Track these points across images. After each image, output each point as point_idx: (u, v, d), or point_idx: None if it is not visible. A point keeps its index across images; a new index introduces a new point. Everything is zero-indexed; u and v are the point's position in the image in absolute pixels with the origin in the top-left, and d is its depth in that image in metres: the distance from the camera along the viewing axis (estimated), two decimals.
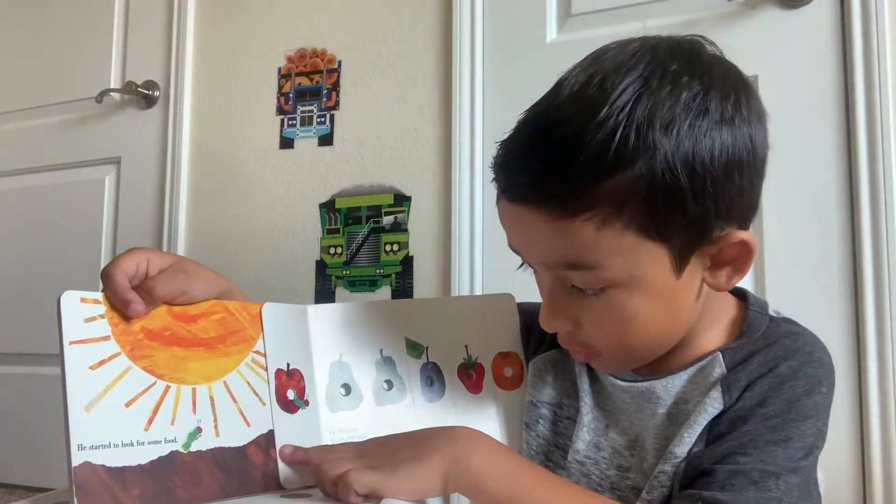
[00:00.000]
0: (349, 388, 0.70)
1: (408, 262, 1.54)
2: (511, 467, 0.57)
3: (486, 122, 1.48)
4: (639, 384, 0.64)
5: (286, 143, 1.69)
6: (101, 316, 0.59)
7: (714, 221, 0.55)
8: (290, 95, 1.70)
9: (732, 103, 0.55)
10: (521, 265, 0.63)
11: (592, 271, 0.56)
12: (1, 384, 1.90)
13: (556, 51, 1.44)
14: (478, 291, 1.44)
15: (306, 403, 0.67)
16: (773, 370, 0.59)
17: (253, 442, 0.63)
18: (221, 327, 0.65)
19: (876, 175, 1.16)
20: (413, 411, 0.70)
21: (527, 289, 0.68)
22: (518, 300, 0.76)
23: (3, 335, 1.92)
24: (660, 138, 0.52)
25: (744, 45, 1.23)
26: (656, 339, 0.61)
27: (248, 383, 0.64)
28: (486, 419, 0.71)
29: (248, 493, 0.61)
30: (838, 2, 1.23)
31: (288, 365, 0.67)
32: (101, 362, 0.57)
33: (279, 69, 1.71)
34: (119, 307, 0.59)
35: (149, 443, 0.58)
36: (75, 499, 0.53)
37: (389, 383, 0.71)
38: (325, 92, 1.66)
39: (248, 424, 0.63)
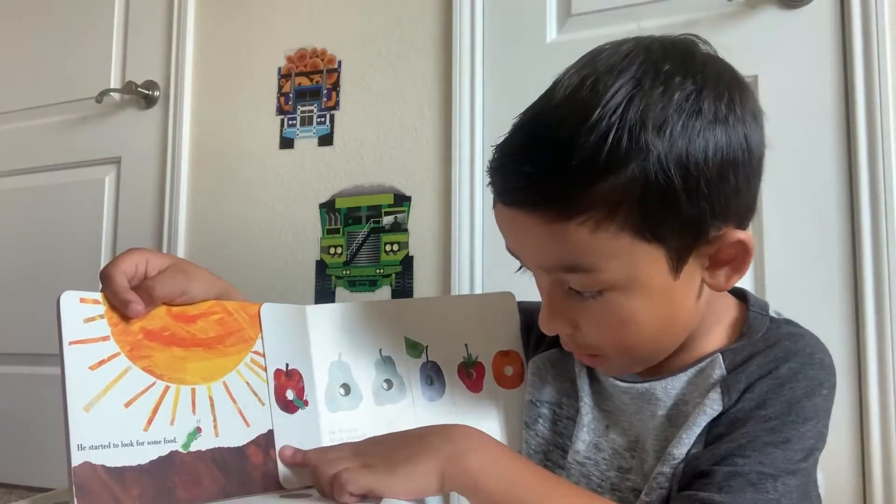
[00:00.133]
0: (349, 388, 0.70)
1: (408, 262, 1.54)
2: (509, 466, 0.57)
3: (486, 122, 1.48)
4: (638, 385, 0.63)
5: (286, 143, 1.69)
6: (101, 316, 0.59)
7: (710, 222, 0.55)
8: (290, 95, 1.70)
9: (726, 102, 0.55)
10: (520, 268, 0.63)
11: (589, 274, 0.56)
12: (1, 384, 1.90)
13: (556, 51, 1.43)
14: (478, 291, 1.43)
15: (305, 403, 0.67)
16: (773, 372, 0.59)
17: (252, 442, 0.63)
18: (220, 328, 0.65)
19: (876, 175, 1.16)
20: (413, 410, 0.70)
21: (527, 289, 0.68)
22: (518, 299, 0.76)
23: (3, 335, 1.92)
24: (652, 139, 0.52)
25: (744, 45, 1.24)
26: (657, 340, 0.61)
27: (248, 383, 0.64)
28: (487, 418, 0.71)
29: (248, 493, 0.61)
30: (838, 2, 1.23)
31: (287, 365, 0.67)
32: (101, 362, 0.57)
33: (279, 69, 1.71)
34: (118, 307, 0.59)
35: (148, 443, 0.58)
36: (75, 499, 0.53)
37: (389, 383, 0.71)
38: (325, 92, 1.66)
39: (248, 425, 0.63)
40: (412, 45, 1.58)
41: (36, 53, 1.99)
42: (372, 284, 1.56)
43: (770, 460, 0.55)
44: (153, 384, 0.59)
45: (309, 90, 1.68)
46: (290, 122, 1.69)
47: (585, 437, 0.66)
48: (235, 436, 0.62)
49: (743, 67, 0.60)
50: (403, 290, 1.53)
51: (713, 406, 0.59)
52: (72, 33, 1.94)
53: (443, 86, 1.54)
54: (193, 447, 0.60)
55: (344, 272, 1.59)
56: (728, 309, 0.66)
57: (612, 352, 0.61)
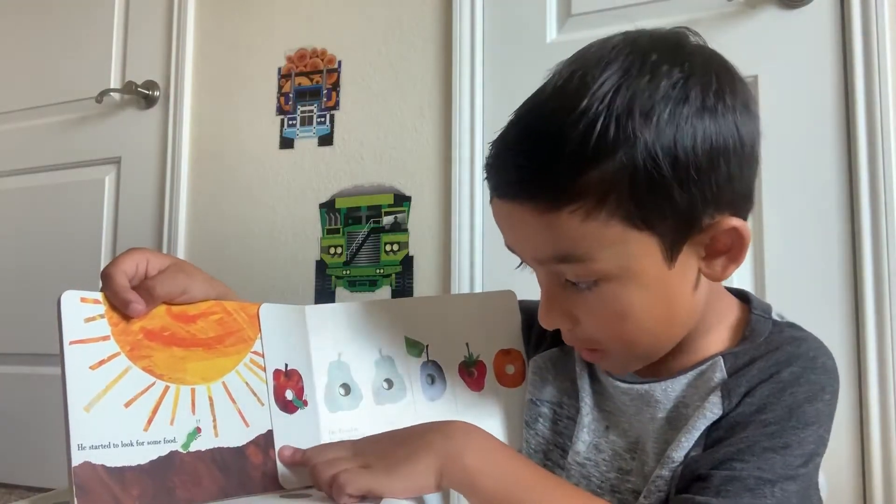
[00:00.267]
0: (348, 388, 0.70)
1: (408, 261, 1.54)
2: (506, 464, 0.57)
3: (486, 122, 1.48)
4: (638, 386, 0.63)
5: (286, 143, 1.69)
6: (101, 316, 0.59)
7: (702, 209, 0.55)
8: (290, 95, 1.70)
9: (714, 91, 0.55)
10: (520, 264, 0.63)
11: (583, 264, 0.56)
12: (1, 384, 1.90)
13: (556, 51, 1.41)
14: (478, 291, 1.43)
15: (305, 403, 0.67)
16: (775, 376, 0.59)
17: (252, 442, 0.63)
18: (220, 328, 0.65)
19: (876, 175, 1.16)
20: (413, 409, 0.70)
21: (527, 289, 0.68)
22: (518, 298, 0.76)
23: (3, 335, 1.92)
24: (640, 127, 0.52)
25: (744, 45, 1.24)
26: (655, 333, 0.60)
27: (247, 384, 0.65)
28: (489, 417, 0.71)
29: (248, 493, 0.61)
30: (838, 2, 1.23)
31: (286, 365, 0.67)
32: (101, 362, 0.57)
33: (279, 69, 1.71)
34: (119, 307, 0.59)
35: (148, 443, 0.58)
36: (75, 499, 0.53)
37: (389, 382, 0.71)
38: (325, 92, 1.66)
39: (247, 425, 0.63)
40: (412, 45, 1.58)
41: (36, 53, 1.99)
42: (372, 284, 1.56)
43: (769, 465, 0.55)
44: (153, 384, 0.60)
45: (309, 90, 1.68)
46: (290, 122, 1.69)
47: (585, 437, 0.66)
48: (235, 436, 0.62)
49: (743, 67, 0.60)
50: (403, 289, 1.53)
51: (713, 409, 0.59)
52: (72, 33, 1.94)
53: (443, 86, 1.54)
54: (193, 447, 0.60)
55: (344, 272, 1.59)
56: (729, 310, 0.66)
57: (611, 345, 0.61)
